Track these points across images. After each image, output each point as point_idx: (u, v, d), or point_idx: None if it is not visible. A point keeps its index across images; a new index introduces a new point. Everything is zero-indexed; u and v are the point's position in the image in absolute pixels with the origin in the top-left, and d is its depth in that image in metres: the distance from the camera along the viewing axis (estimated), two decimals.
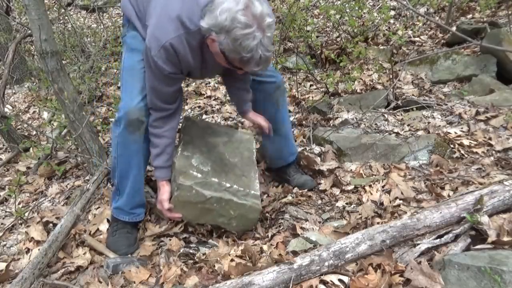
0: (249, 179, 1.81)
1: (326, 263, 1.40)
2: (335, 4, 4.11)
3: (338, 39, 4.01)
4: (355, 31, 3.91)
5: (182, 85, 1.85)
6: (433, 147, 2.19)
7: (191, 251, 1.69)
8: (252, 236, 1.82)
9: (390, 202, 1.86)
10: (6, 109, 3.23)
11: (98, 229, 1.88)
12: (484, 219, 1.46)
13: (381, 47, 3.83)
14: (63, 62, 2.20)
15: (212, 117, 3.25)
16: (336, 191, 2.08)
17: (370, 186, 2.00)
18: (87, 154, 2.27)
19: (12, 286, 1.45)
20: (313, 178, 2.19)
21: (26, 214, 2.14)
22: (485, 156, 2.09)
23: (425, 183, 1.96)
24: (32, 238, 1.88)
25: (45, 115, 3.74)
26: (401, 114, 2.67)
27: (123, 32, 1.78)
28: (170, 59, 1.47)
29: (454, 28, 3.72)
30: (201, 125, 2.00)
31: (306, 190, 2.11)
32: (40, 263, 1.58)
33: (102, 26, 4.75)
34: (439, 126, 2.43)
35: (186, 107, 3.47)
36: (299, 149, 2.37)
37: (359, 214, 1.81)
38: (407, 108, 2.68)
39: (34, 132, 3.19)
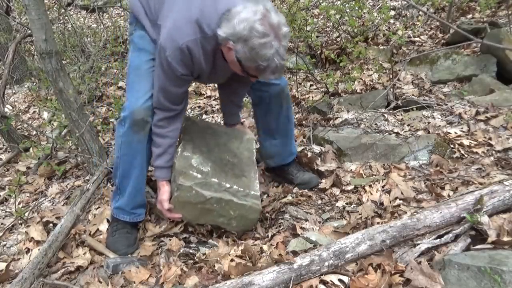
0: (249, 179, 1.81)
1: (326, 263, 1.40)
2: (335, 4, 4.11)
3: (338, 39, 4.01)
4: (355, 31, 3.91)
5: None
6: (433, 147, 2.19)
7: (191, 251, 1.69)
8: (252, 236, 1.82)
9: (390, 202, 1.86)
10: (6, 109, 3.23)
11: (98, 229, 1.88)
12: (484, 219, 1.46)
13: (381, 47, 3.83)
14: (63, 62, 2.20)
15: (212, 117, 3.25)
16: (336, 191, 2.08)
17: (370, 186, 2.00)
18: (87, 154, 2.27)
19: (12, 286, 1.45)
20: None
21: (26, 214, 2.14)
22: (485, 156, 2.09)
23: (425, 183, 1.96)
24: (32, 238, 1.88)
25: (45, 115, 3.74)
26: (401, 114, 2.67)
27: (130, 30, 1.78)
28: (184, 61, 1.49)
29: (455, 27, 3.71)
30: (201, 125, 2.00)
31: (306, 190, 2.11)
32: (40, 263, 1.58)
33: (102, 26, 4.74)
34: (439, 126, 2.43)
35: None
36: (299, 149, 2.37)
37: (359, 214, 1.81)
38: (407, 108, 2.68)
39: (34, 132, 3.19)
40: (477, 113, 2.44)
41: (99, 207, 2.05)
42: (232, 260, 1.55)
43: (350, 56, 3.59)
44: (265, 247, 1.64)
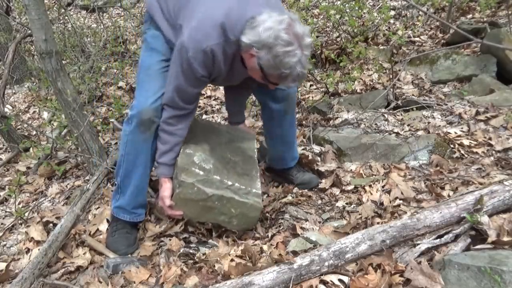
0: (250, 177, 1.81)
1: (326, 263, 1.40)
2: (335, 4, 4.11)
3: (338, 39, 4.01)
4: (355, 31, 3.91)
5: None
6: (433, 147, 2.19)
7: (191, 251, 1.69)
8: (252, 236, 1.82)
9: (390, 202, 1.86)
10: (6, 109, 3.23)
11: (98, 229, 1.88)
12: (484, 219, 1.46)
13: (381, 47, 3.83)
14: (63, 62, 2.20)
15: (212, 117, 3.25)
16: (336, 191, 2.08)
17: (370, 186, 2.00)
18: (87, 154, 2.27)
19: (12, 286, 1.45)
20: None
21: (26, 214, 2.14)
22: (485, 156, 2.09)
23: (425, 183, 1.96)
24: (32, 238, 1.88)
25: (45, 115, 3.74)
26: (401, 114, 2.67)
27: (144, 29, 1.79)
28: (205, 63, 1.49)
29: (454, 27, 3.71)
30: (203, 124, 2.00)
31: (306, 190, 2.12)
32: (40, 263, 1.58)
33: (102, 26, 4.75)
34: (439, 126, 2.43)
35: None
36: (299, 149, 2.37)
37: (359, 214, 1.81)
38: (407, 108, 2.68)
39: (34, 132, 3.19)
40: (477, 113, 2.44)
41: (99, 207, 2.05)
42: (232, 260, 1.55)
43: (350, 56, 3.59)
44: (265, 247, 1.64)
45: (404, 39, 3.51)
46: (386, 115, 2.68)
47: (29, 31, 2.73)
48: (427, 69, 3.32)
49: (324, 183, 2.13)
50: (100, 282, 1.57)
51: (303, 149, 2.42)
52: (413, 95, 2.95)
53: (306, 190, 2.12)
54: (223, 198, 1.69)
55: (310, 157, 2.29)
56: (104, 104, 3.67)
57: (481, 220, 1.45)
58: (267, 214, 1.95)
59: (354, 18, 3.73)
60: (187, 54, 1.46)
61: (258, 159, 2.02)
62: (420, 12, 4.39)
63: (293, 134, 2.10)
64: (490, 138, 2.20)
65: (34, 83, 4.47)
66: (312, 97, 3.21)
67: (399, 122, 2.59)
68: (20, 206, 2.31)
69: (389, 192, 1.93)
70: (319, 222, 1.86)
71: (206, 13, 1.48)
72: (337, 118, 2.78)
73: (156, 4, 1.67)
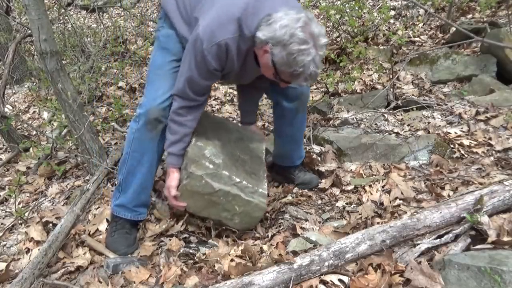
0: (258, 177, 1.81)
1: (326, 263, 1.40)
2: (335, 4, 4.11)
3: (338, 39, 4.01)
4: (355, 31, 3.91)
5: None
6: (433, 147, 2.19)
7: (191, 251, 1.69)
8: (252, 236, 1.82)
9: (390, 202, 1.86)
10: (6, 109, 3.23)
11: (97, 229, 1.88)
12: (484, 219, 1.46)
13: (381, 47, 3.83)
14: (63, 62, 2.20)
15: None
16: (336, 191, 2.08)
17: (370, 186, 2.00)
18: (87, 154, 2.27)
19: (12, 286, 1.45)
20: None
21: (26, 214, 2.14)
22: (485, 156, 2.09)
23: (425, 183, 1.96)
24: (32, 238, 1.88)
25: (45, 115, 3.74)
26: (401, 114, 2.67)
27: (157, 26, 1.80)
28: (219, 56, 1.50)
29: (455, 28, 3.72)
30: (215, 120, 2.00)
31: (306, 190, 2.12)
32: (40, 263, 1.58)
33: (102, 26, 4.75)
34: (439, 126, 2.43)
35: None
36: None
37: (359, 214, 1.81)
38: (407, 108, 2.68)
39: (34, 132, 3.19)
40: (477, 113, 2.44)
41: (99, 207, 2.05)
42: (232, 260, 1.55)
43: (350, 56, 3.59)
44: (265, 247, 1.64)
45: (404, 39, 3.51)
46: (386, 115, 2.68)
47: (29, 31, 2.73)
48: (427, 69, 3.32)
49: (324, 183, 2.13)
50: (100, 282, 1.57)
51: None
52: (413, 95, 2.95)
53: (306, 190, 2.12)
54: (229, 194, 1.69)
55: (313, 157, 2.29)
56: (104, 104, 3.67)
57: (481, 220, 1.45)
58: (267, 214, 1.95)
59: (354, 18, 3.73)
60: (201, 46, 1.47)
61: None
62: (420, 12, 4.39)
63: (302, 133, 2.12)
64: (490, 138, 2.20)
65: (34, 83, 4.47)
66: (312, 97, 3.21)
67: (399, 122, 2.59)
68: (20, 206, 2.31)
69: (389, 192, 1.93)
70: (319, 222, 1.86)
71: (224, 7, 1.49)
72: (337, 118, 2.78)
73: (172, 1, 1.68)
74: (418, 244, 1.45)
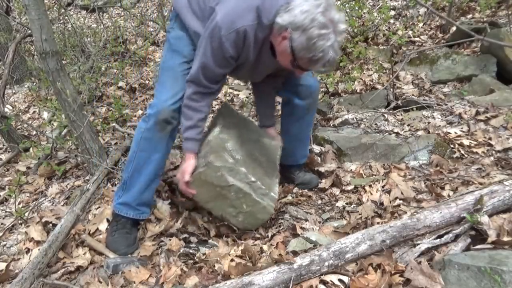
0: (271, 181, 1.81)
1: (326, 263, 1.40)
2: (335, 4, 4.11)
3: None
4: (355, 31, 3.91)
5: None
6: (433, 147, 2.19)
7: (191, 251, 1.69)
8: (252, 236, 1.82)
9: (390, 202, 1.86)
10: (6, 109, 3.23)
11: (97, 228, 1.88)
12: (484, 219, 1.46)
13: (381, 47, 3.83)
14: (63, 62, 2.20)
15: (212, 117, 3.24)
16: (336, 191, 2.08)
17: (370, 186, 2.00)
18: (87, 154, 2.27)
19: (12, 286, 1.45)
20: None
21: (26, 214, 2.14)
22: (485, 156, 2.09)
23: (425, 183, 1.96)
24: (32, 238, 1.88)
25: (45, 115, 3.74)
26: (401, 114, 2.67)
27: (168, 27, 1.81)
28: (236, 43, 1.50)
29: (455, 28, 3.72)
30: (238, 116, 2.00)
31: (306, 190, 2.12)
32: (40, 263, 1.58)
33: (102, 26, 4.75)
34: (439, 126, 2.43)
35: None
36: None
37: (359, 214, 1.81)
38: (407, 108, 2.68)
39: (34, 132, 3.19)
40: (477, 113, 2.44)
41: (99, 207, 2.05)
42: (232, 260, 1.55)
43: (350, 56, 3.59)
44: (265, 247, 1.64)
45: (404, 39, 3.51)
46: (386, 115, 2.68)
47: (29, 31, 2.73)
48: (427, 69, 3.32)
49: (324, 183, 2.14)
50: (100, 282, 1.57)
51: None
52: (413, 95, 2.95)
53: (306, 190, 2.12)
54: (241, 191, 1.69)
55: (312, 157, 2.29)
56: (104, 104, 3.67)
57: (481, 220, 1.45)
58: None
59: (354, 18, 3.73)
60: (219, 32, 1.47)
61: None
62: (420, 12, 4.39)
63: (309, 131, 2.13)
64: (490, 138, 2.20)
65: (34, 83, 4.47)
66: None
67: (399, 122, 2.59)
68: (20, 206, 2.31)
69: (389, 192, 1.93)
70: (319, 222, 1.86)
71: None
72: (337, 118, 2.78)
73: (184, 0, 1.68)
74: (418, 244, 1.45)
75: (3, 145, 3.20)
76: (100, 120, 3.19)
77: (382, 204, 1.87)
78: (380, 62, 3.45)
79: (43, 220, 1.98)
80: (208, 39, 1.52)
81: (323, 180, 2.16)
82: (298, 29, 1.37)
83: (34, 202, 2.34)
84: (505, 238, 1.37)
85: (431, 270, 1.31)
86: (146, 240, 1.82)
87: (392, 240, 1.47)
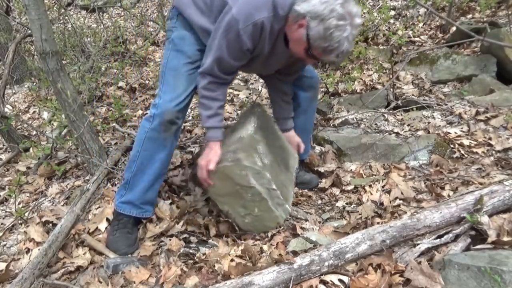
0: (287, 191, 1.80)
1: (326, 263, 1.40)
2: None
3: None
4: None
5: None
6: (433, 147, 2.19)
7: (191, 251, 1.69)
8: (252, 236, 1.82)
9: (390, 202, 1.86)
10: (6, 109, 3.23)
11: (97, 228, 1.88)
12: (484, 219, 1.46)
13: (381, 47, 3.83)
14: (63, 62, 2.20)
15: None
16: (336, 191, 2.08)
17: (370, 186, 2.00)
18: (87, 154, 2.27)
19: (12, 286, 1.45)
20: None
21: (26, 214, 2.14)
22: (485, 156, 2.09)
23: (425, 183, 1.96)
24: (32, 238, 1.88)
25: (45, 115, 3.74)
26: (401, 114, 2.67)
27: (169, 26, 1.79)
28: (254, 36, 1.51)
29: (455, 28, 3.72)
30: (269, 120, 1.96)
31: (306, 190, 2.12)
32: (40, 263, 1.58)
33: (102, 26, 4.75)
34: (439, 126, 2.43)
35: None
36: None
37: (359, 214, 1.81)
38: (407, 108, 2.68)
39: (34, 132, 3.19)
40: (477, 113, 2.44)
41: (99, 207, 2.05)
42: (232, 260, 1.55)
43: (350, 56, 3.59)
44: (265, 247, 1.64)
45: (404, 39, 3.51)
46: (386, 115, 2.68)
47: (29, 31, 2.73)
48: (427, 69, 3.32)
49: (324, 183, 2.14)
50: (100, 282, 1.57)
51: None
52: (413, 95, 2.95)
53: (306, 190, 2.12)
54: (259, 195, 1.68)
55: (313, 156, 2.29)
56: (104, 104, 3.67)
57: (481, 220, 1.45)
58: None
59: None
60: (237, 26, 1.48)
61: None
62: (420, 12, 4.39)
63: (312, 122, 2.17)
64: (490, 138, 2.20)
65: (34, 83, 4.47)
66: None
67: (399, 122, 2.59)
68: (20, 206, 2.31)
69: (389, 192, 1.93)
70: (319, 222, 1.86)
71: None
72: (337, 118, 2.78)
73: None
74: (418, 244, 1.45)
75: (3, 145, 3.20)
76: (100, 120, 3.19)
77: (382, 204, 1.87)
78: (380, 62, 3.45)
79: (43, 220, 1.98)
80: (224, 33, 1.52)
81: (323, 180, 2.16)
82: (317, 18, 1.38)
83: (34, 202, 2.34)
84: (505, 238, 1.38)
85: (431, 270, 1.31)
86: (146, 240, 1.82)
87: (392, 240, 1.47)
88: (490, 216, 1.49)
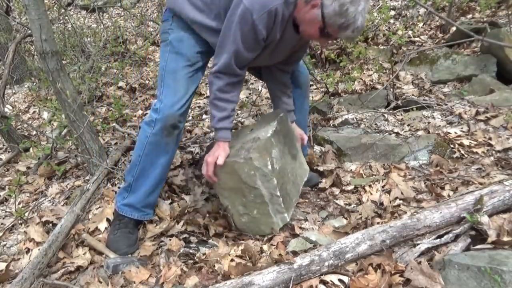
0: (290, 201, 1.79)
1: (326, 263, 1.40)
2: None
3: (338, 39, 4.00)
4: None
5: None
6: (433, 147, 2.19)
7: (191, 251, 1.69)
8: (252, 236, 1.82)
9: (390, 202, 1.86)
10: (6, 109, 3.23)
11: (97, 227, 1.88)
12: (484, 219, 1.46)
13: (381, 47, 3.84)
14: (63, 62, 2.20)
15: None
16: (336, 191, 2.08)
17: (370, 186, 2.00)
18: (87, 154, 2.27)
19: (12, 286, 1.45)
20: None
21: (26, 214, 2.14)
22: (485, 156, 2.09)
23: (425, 183, 1.96)
24: (32, 238, 1.88)
25: (45, 115, 3.74)
26: (401, 114, 2.67)
27: (164, 28, 1.77)
28: (268, 24, 1.52)
29: (454, 28, 3.72)
30: (290, 128, 1.94)
31: (305, 189, 2.11)
32: (40, 263, 1.58)
33: (102, 26, 4.75)
34: (439, 126, 2.43)
35: None
36: None
37: (359, 214, 1.81)
38: (407, 108, 2.68)
39: (34, 132, 3.19)
40: (477, 113, 2.44)
41: (99, 207, 2.05)
42: (232, 260, 1.55)
43: (350, 56, 3.59)
44: (265, 247, 1.64)
45: (404, 39, 3.51)
46: (386, 115, 2.68)
47: (29, 31, 2.73)
48: (427, 69, 3.32)
49: (324, 183, 2.13)
50: (100, 282, 1.57)
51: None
52: (413, 95, 2.95)
53: (306, 189, 2.12)
54: (261, 198, 1.67)
55: (312, 155, 2.29)
56: (104, 104, 3.68)
57: (481, 220, 1.45)
58: None
59: None
60: (251, 16, 1.48)
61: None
62: (420, 12, 4.39)
63: (307, 119, 2.19)
64: (490, 138, 2.20)
65: (34, 83, 4.47)
66: (312, 97, 3.21)
67: (399, 122, 2.59)
68: (20, 206, 2.31)
69: (389, 192, 1.93)
70: (319, 222, 1.86)
71: None
72: (337, 118, 2.78)
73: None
74: (418, 244, 1.45)
75: (3, 145, 3.21)
76: (100, 120, 3.19)
77: (382, 204, 1.87)
78: (380, 62, 3.45)
79: (43, 220, 1.98)
80: (237, 25, 1.51)
81: (323, 180, 2.16)
82: None
83: (34, 202, 2.34)
84: (505, 238, 1.38)
85: (431, 270, 1.31)
86: (146, 240, 1.82)
87: (392, 240, 1.47)
88: (490, 216, 1.49)
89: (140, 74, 4.16)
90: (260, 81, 3.70)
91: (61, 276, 1.64)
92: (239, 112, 3.28)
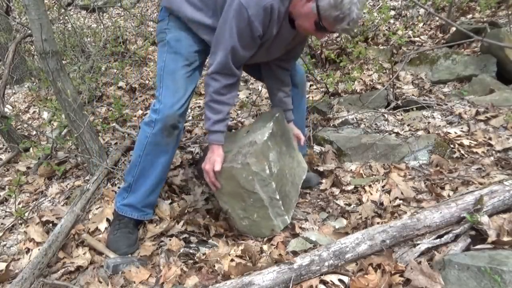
0: (290, 203, 1.79)
1: (326, 263, 1.40)
2: None
3: (338, 39, 4.01)
4: (355, 31, 3.91)
5: None
6: (433, 147, 2.19)
7: (191, 251, 1.69)
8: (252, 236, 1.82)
9: (390, 202, 1.86)
10: (6, 109, 3.23)
11: (97, 227, 1.88)
12: (484, 219, 1.46)
13: (381, 47, 3.83)
14: (63, 62, 2.20)
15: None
16: (336, 191, 2.08)
17: (370, 186, 2.00)
18: (87, 154, 2.27)
19: (12, 286, 1.45)
20: None
21: (26, 214, 2.14)
22: (485, 156, 2.09)
23: (425, 183, 1.96)
24: (32, 238, 1.88)
25: (45, 115, 3.74)
26: (401, 114, 2.67)
27: (161, 28, 1.76)
28: (264, 21, 1.51)
29: (455, 28, 3.72)
30: (286, 128, 1.93)
31: (306, 189, 2.11)
32: (40, 263, 1.58)
33: (102, 26, 4.75)
34: (439, 126, 2.43)
35: None
36: None
37: (359, 214, 1.81)
38: (407, 108, 2.68)
39: (34, 132, 3.19)
40: (477, 113, 2.44)
41: (99, 207, 2.05)
42: (232, 260, 1.55)
43: (350, 56, 3.59)
44: (265, 247, 1.64)
45: (404, 39, 3.51)
46: (386, 115, 2.68)
47: (29, 31, 2.73)
48: (427, 69, 3.32)
49: (324, 183, 2.14)
50: (100, 282, 1.57)
51: None
52: (413, 95, 2.95)
53: (306, 189, 2.12)
54: (260, 202, 1.66)
55: (312, 155, 2.29)
56: (104, 104, 3.68)
57: (481, 220, 1.45)
58: None
59: None
60: (247, 13, 1.47)
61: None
62: (420, 12, 4.39)
63: (305, 119, 2.19)
64: (490, 138, 2.20)
65: (34, 83, 4.47)
66: (312, 97, 3.21)
67: (399, 122, 2.59)
68: (20, 206, 2.31)
69: (389, 192, 1.93)
70: (319, 222, 1.86)
71: None
72: (337, 118, 2.78)
73: None
74: (418, 244, 1.45)
75: (3, 145, 3.21)
76: (100, 120, 3.19)
77: (382, 204, 1.87)
78: (380, 62, 3.45)
79: (43, 220, 1.98)
80: (233, 22, 1.51)
81: (323, 180, 2.16)
82: None
83: (34, 202, 2.34)
84: (505, 238, 1.38)
85: (431, 270, 1.31)
86: (146, 240, 1.82)
87: (392, 240, 1.47)
88: (490, 216, 1.49)
89: (140, 74, 4.16)
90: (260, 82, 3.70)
91: (61, 276, 1.64)
92: (239, 112, 3.28)
